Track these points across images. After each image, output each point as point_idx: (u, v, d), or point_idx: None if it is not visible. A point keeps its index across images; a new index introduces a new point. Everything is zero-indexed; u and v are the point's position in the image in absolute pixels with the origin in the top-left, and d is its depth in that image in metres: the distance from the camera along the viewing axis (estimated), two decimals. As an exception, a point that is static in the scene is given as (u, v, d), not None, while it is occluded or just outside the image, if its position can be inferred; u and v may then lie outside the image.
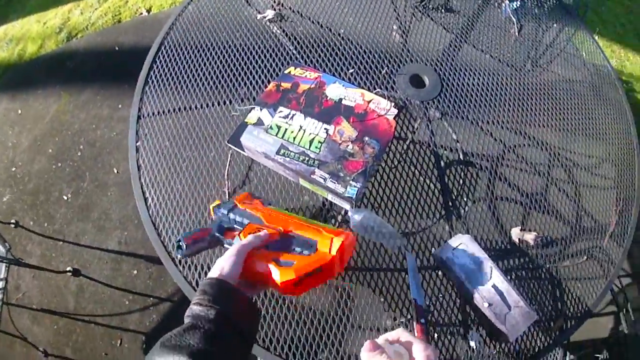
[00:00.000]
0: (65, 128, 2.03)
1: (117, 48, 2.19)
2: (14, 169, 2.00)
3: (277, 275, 0.55)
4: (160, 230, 0.98)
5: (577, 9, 1.71)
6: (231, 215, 0.72)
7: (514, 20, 1.42)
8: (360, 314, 0.91)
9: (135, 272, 1.75)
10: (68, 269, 1.70)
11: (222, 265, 0.55)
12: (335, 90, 1.05)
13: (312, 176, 0.90)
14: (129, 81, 2.12)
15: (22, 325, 1.71)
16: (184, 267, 0.94)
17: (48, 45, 2.29)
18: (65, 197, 1.90)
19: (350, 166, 0.92)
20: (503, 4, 1.47)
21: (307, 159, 0.92)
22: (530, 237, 1.01)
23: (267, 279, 0.56)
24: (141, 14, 2.29)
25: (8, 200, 1.95)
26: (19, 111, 2.14)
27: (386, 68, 1.16)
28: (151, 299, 1.71)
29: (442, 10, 1.37)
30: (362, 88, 1.08)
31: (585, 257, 1.06)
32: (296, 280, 0.55)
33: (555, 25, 1.50)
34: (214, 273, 0.54)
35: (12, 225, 1.79)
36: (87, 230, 1.83)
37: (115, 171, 1.93)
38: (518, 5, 1.47)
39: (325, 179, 0.89)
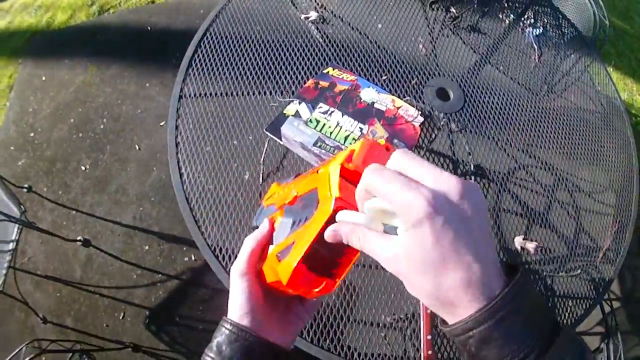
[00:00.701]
0: (90, 100, 2.15)
1: (149, 28, 2.31)
2: (32, 134, 2.11)
3: (282, 276, 0.40)
4: (192, 205, 1.11)
5: (595, 41, 1.87)
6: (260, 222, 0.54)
7: (535, 46, 1.57)
8: (363, 309, 1.03)
9: (146, 247, 1.87)
10: (79, 238, 1.81)
11: (232, 301, 0.45)
12: (369, 94, 1.19)
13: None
14: (159, 62, 2.25)
15: (23, 290, 1.78)
16: (212, 245, 1.06)
17: (78, 17, 2.41)
18: (83, 168, 2.01)
19: (380, 163, 1.06)
20: (526, 30, 1.62)
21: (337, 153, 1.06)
22: (531, 246, 1.15)
23: (282, 289, 0.42)
24: (176, -4, 2.42)
25: (23, 164, 2.06)
26: (43, 78, 2.25)
27: (416, 79, 1.31)
28: (160, 275, 1.82)
29: (470, 30, 1.52)
30: (393, 95, 1.22)
31: (579, 271, 1.21)
32: (302, 270, 0.39)
33: (573, 55, 1.66)
34: (232, 313, 0.44)
35: (25, 190, 1.89)
36: (103, 202, 1.94)
37: (137, 147, 2.04)
38: (540, 32, 1.63)
39: (357, 172, 1.03)
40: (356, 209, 0.36)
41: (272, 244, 0.46)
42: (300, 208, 0.45)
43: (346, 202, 0.37)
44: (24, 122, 2.15)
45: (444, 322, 0.32)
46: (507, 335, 0.28)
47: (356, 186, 0.35)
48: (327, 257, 0.41)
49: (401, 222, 0.30)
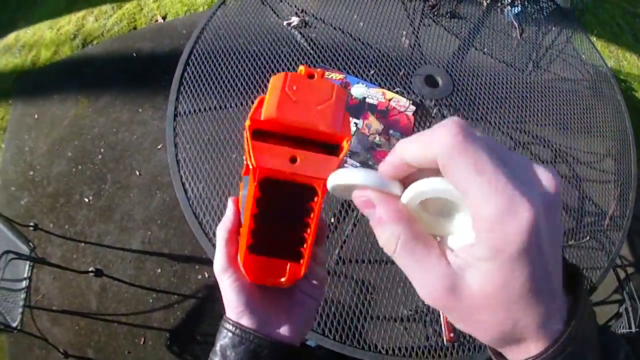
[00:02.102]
0: (85, 132, 2.20)
1: (134, 54, 2.37)
2: (31, 172, 2.16)
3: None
4: (201, 220, 1.15)
5: (574, 11, 1.93)
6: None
7: (516, 24, 1.63)
8: (379, 305, 1.08)
9: (159, 270, 1.91)
10: (90, 269, 1.85)
11: (225, 301, 0.40)
12: (359, 90, 1.24)
13: (344, 165, 1.08)
14: (148, 86, 2.30)
15: (41, 327, 1.81)
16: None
17: (63, 52, 2.46)
18: (86, 199, 2.06)
19: (378, 155, 1.10)
20: (505, 10, 1.68)
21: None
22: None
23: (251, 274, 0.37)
24: (157, 20, 2.48)
25: (26, 203, 2.10)
26: (35, 116, 2.30)
27: (403, 70, 1.36)
28: (175, 296, 1.86)
29: (450, 17, 1.58)
30: (383, 87, 1.27)
31: (588, 237, 1.25)
32: (256, 262, 0.35)
33: (554, 28, 1.72)
34: (229, 313, 0.39)
35: (31, 228, 1.93)
36: (110, 231, 1.99)
37: (137, 173, 2.09)
38: (519, 10, 1.68)
39: (356, 168, 1.08)
40: (281, 175, 0.30)
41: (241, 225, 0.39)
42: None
43: (272, 169, 0.30)
44: (21, 161, 2.20)
45: (498, 354, 0.27)
46: None
47: (282, 140, 0.30)
48: (282, 234, 0.34)
49: (481, 246, 0.21)
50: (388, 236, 0.24)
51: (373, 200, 0.25)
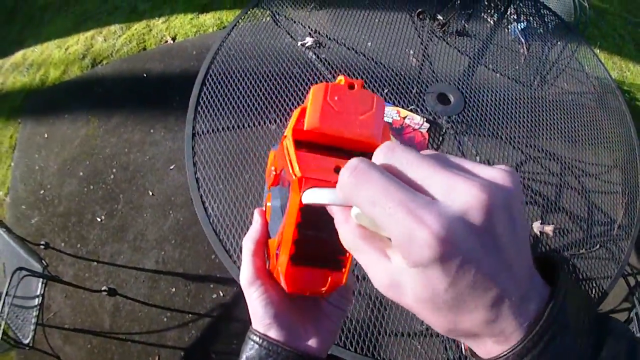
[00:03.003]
0: (96, 152, 2.24)
1: (145, 75, 2.43)
2: (42, 191, 2.20)
3: (282, 283, 0.36)
4: (221, 237, 1.19)
5: (578, 25, 2.00)
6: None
7: (522, 40, 1.69)
8: (392, 320, 1.11)
9: (173, 289, 1.94)
10: (103, 288, 1.88)
11: (252, 314, 0.40)
12: (375, 109, 1.30)
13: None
14: (159, 107, 2.36)
15: (53, 345, 1.83)
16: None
17: (72, 71, 2.53)
18: (98, 219, 2.10)
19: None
20: (511, 26, 1.75)
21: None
22: (549, 229, 1.25)
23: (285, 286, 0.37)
24: (166, 41, 2.55)
25: (37, 222, 2.14)
26: (45, 135, 2.35)
27: (416, 88, 1.41)
28: (190, 315, 1.89)
29: (458, 35, 1.64)
30: (397, 106, 1.33)
31: (598, 246, 1.30)
32: (297, 273, 0.35)
33: (559, 42, 1.79)
34: (256, 325, 0.39)
35: (42, 247, 1.97)
36: (123, 251, 2.02)
37: (150, 193, 2.13)
38: (525, 26, 1.75)
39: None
40: (326, 185, 0.30)
41: (270, 236, 0.40)
42: (284, 186, 0.37)
43: (315, 179, 0.30)
44: (32, 180, 2.24)
45: (472, 352, 0.27)
46: (560, 355, 0.23)
47: (323, 151, 0.31)
48: (323, 243, 0.34)
49: (400, 256, 0.23)
50: (342, 236, 0.27)
51: (333, 210, 0.28)
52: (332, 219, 0.28)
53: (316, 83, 1.38)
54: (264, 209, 0.43)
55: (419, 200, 0.22)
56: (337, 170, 0.30)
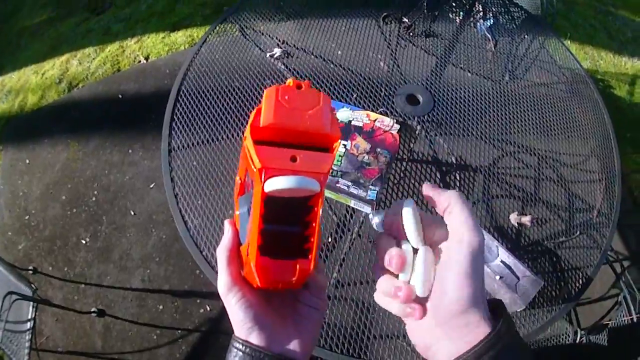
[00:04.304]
0: (77, 175, 2.26)
1: (120, 96, 2.46)
2: (27, 217, 2.21)
3: (255, 279, 0.38)
4: (202, 249, 1.21)
5: (546, 17, 2.04)
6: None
7: (489, 37, 1.73)
8: (380, 324, 1.12)
9: (160, 307, 1.95)
10: (93, 309, 1.89)
11: (233, 321, 0.41)
12: (344, 114, 1.33)
13: (337, 185, 1.15)
14: (136, 126, 2.38)
15: None
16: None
17: (49, 96, 2.55)
18: (83, 241, 2.11)
19: (368, 173, 1.18)
20: (478, 23, 1.79)
21: (331, 171, 1.17)
22: (526, 219, 1.28)
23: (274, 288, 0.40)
24: (139, 61, 2.58)
25: (24, 247, 2.14)
26: (27, 161, 2.36)
27: (385, 90, 1.45)
28: (179, 331, 1.90)
29: (425, 36, 1.68)
30: (367, 109, 1.36)
31: (578, 232, 1.32)
32: (267, 265, 0.37)
33: (527, 36, 1.83)
34: (238, 331, 0.40)
35: (31, 272, 1.97)
36: (109, 272, 2.03)
37: (132, 213, 2.15)
38: (492, 23, 1.79)
39: (348, 186, 1.15)
40: (285, 173, 0.33)
41: (241, 243, 0.42)
42: (249, 190, 0.40)
43: (275, 168, 0.33)
44: (16, 206, 2.25)
45: None
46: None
47: (279, 145, 0.34)
48: (288, 235, 0.37)
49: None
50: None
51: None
52: (294, 210, 0.32)
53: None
54: (232, 219, 0.45)
55: None
56: (293, 159, 0.34)
